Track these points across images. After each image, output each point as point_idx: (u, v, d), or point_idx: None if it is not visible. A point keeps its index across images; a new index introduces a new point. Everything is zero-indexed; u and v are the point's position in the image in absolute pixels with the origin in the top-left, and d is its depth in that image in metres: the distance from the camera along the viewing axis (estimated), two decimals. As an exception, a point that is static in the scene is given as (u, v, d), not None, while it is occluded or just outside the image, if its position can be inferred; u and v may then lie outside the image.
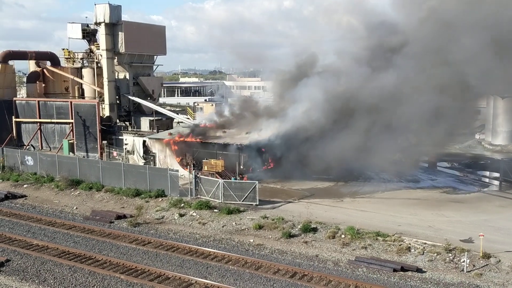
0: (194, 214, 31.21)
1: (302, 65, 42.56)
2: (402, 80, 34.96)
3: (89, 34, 56.49)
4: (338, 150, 35.59)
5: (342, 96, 36.85)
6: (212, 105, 65.51)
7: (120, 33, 51.63)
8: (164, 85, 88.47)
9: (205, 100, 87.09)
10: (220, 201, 32.48)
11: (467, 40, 32.74)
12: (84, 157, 46.40)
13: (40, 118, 51.51)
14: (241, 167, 38.06)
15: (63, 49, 59.25)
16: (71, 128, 49.69)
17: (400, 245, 25.14)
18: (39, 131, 51.87)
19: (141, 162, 43.85)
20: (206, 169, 37.47)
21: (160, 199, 34.19)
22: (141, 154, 44.72)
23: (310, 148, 37.68)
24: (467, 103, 37.79)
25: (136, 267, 23.74)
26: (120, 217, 31.59)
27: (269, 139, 38.79)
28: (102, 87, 53.39)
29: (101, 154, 47.36)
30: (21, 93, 70.16)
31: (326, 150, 36.43)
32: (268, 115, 42.18)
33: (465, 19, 33.80)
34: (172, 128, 51.32)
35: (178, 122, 53.21)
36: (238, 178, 36.37)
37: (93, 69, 56.21)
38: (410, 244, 25.23)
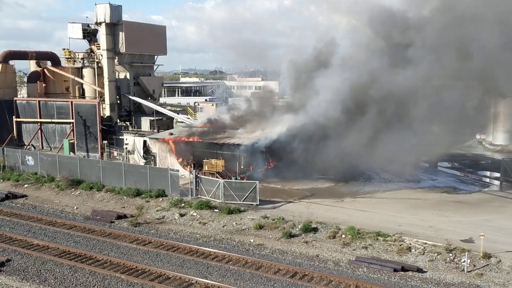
0: (195, 214, 31.21)
1: (319, 55, 41.43)
2: (416, 76, 34.33)
3: (89, 34, 56.50)
4: (345, 149, 35.29)
5: (361, 90, 36.16)
6: (213, 105, 65.58)
7: (120, 33, 51.64)
8: (164, 85, 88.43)
9: (206, 100, 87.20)
10: (220, 201, 32.48)
11: (487, 36, 32.12)
12: (84, 157, 46.41)
13: (40, 118, 51.55)
14: (242, 167, 38.04)
15: (64, 49, 59.35)
16: (72, 128, 49.72)
17: (400, 245, 25.13)
18: (39, 131, 51.90)
19: (141, 162, 43.85)
20: (206, 169, 37.48)
21: (161, 199, 34.20)
22: (142, 154, 44.73)
23: (318, 146, 37.28)
24: (485, 101, 37.11)
25: (136, 267, 23.74)
26: (120, 217, 31.60)
27: (275, 137, 38.34)
28: (102, 87, 53.41)
29: (102, 154, 47.37)
30: (22, 93, 70.21)
31: (333, 148, 36.02)
32: (286, 109, 41.46)
33: (480, 12, 33.24)
34: (172, 128, 51.35)
35: (176, 122, 53.19)
36: (239, 178, 36.36)
37: (94, 69, 56.24)
38: (410, 244, 25.23)
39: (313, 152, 37.46)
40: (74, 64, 58.85)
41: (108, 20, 50.45)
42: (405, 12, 38.74)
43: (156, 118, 52.39)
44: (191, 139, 41.57)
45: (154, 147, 43.98)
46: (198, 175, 34.46)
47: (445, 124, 35.46)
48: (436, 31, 34.87)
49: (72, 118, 49.15)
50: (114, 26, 51.56)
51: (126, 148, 45.87)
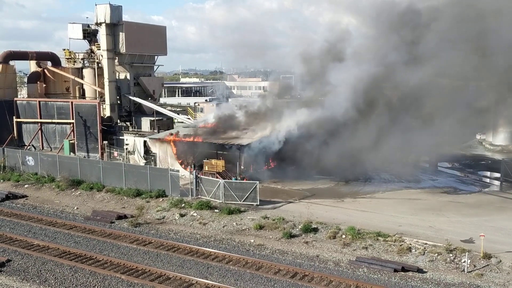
0: (195, 214, 31.21)
1: (332, 47, 40.19)
2: (430, 72, 33.61)
3: (89, 35, 56.50)
4: (350, 148, 34.89)
5: (374, 85, 35.30)
6: (213, 105, 65.57)
7: (120, 33, 51.64)
8: (164, 85, 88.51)
9: (206, 100, 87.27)
10: (220, 201, 32.49)
11: (507, 31, 31.41)
12: (85, 157, 46.46)
13: (41, 118, 51.60)
14: (242, 167, 38.02)
15: (64, 50, 59.32)
16: (72, 128, 49.76)
17: (400, 245, 25.14)
18: (40, 131, 51.93)
19: (141, 162, 43.87)
20: (206, 169, 37.48)
21: (161, 199, 34.21)
22: (142, 154, 44.74)
23: (323, 145, 36.55)
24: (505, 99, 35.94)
25: (137, 267, 23.75)
26: (120, 217, 31.60)
27: (286, 136, 37.83)
28: (102, 88, 53.42)
29: (102, 154, 47.39)
30: (22, 93, 70.22)
31: (338, 147, 35.51)
32: (298, 104, 40.64)
33: (499, 6, 32.56)
34: (172, 128, 51.34)
35: (176, 122, 53.06)
36: (239, 178, 36.36)
37: (94, 69, 56.24)
38: (410, 244, 25.23)
39: (317, 151, 37.04)
40: (74, 64, 58.84)
41: (108, 21, 50.46)
42: (413, 4, 37.61)
43: (156, 118, 52.40)
44: (191, 139, 41.50)
45: (154, 148, 43.99)
46: (198, 176, 34.47)
47: (457, 123, 34.75)
48: (451, 25, 33.82)
49: (73, 119, 49.20)
50: (114, 27, 51.56)
51: (126, 148, 45.90)
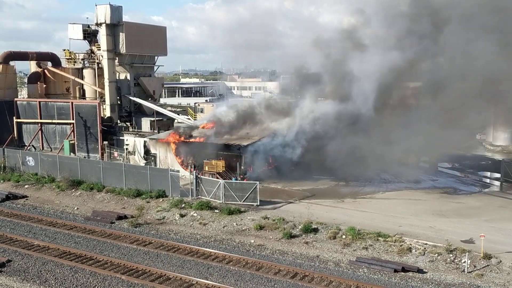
0: (195, 214, 31.22)
1: (352, 33, 38.34)
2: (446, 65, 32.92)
3: (90, 35, 56.59)
4: (355, 147, 34.51)
5: (395, 79, 34.33)
6: (213, 105, 65.56)
7: (121, 33, 51.66)
8: (165, 85, 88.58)
9: (206, 100, 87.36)
10: (221, 202, 32.49)
11: None
12: (85, 157, 46.47)
13: (41, 118, 51.60)
14: (242, 167, 38.01)
15: (64, 50, 59.38)
16: (72, 128, 49.78)
17: (401, 246, 25.15)
18: (40, 131, 51.94)
19: (142, 162, 43.87)
20: (207, 169, 37.47)
21: (161, 200, 34.21)
22: (142, 154, 44.75)
23: (327, 144, 36.03)
24: None
25: (137, 267, 23.76)
26: (121, 217, 31.61)
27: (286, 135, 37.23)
28: (103, 88, 53.44)
29: (102, 154, 47.40)
30: (22, 94, 70.24)
31: (342, 146, 35.14)
32: (316, 95, 39.29)
33: None
34: (173, 128, 51.35)
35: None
36: (239, 178, 36.33)
37: (94, 69, 56.28)
38: (411, 244, 25.24)
39: (320, 151, 36.74)
40: (74, 64, 58.89)
41: (108, 21, 50.45)
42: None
43: (157, 118, 52.42)
44: (191, 140, 41.48)
45: (154, 148, 43.98)
46: (199, 176, 34.46)
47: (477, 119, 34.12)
48: (475, 16, 32.72)
49: (73, 119, 49.21)
50: (114, 27, 51.56)
51: (126, 148, 45.91)
